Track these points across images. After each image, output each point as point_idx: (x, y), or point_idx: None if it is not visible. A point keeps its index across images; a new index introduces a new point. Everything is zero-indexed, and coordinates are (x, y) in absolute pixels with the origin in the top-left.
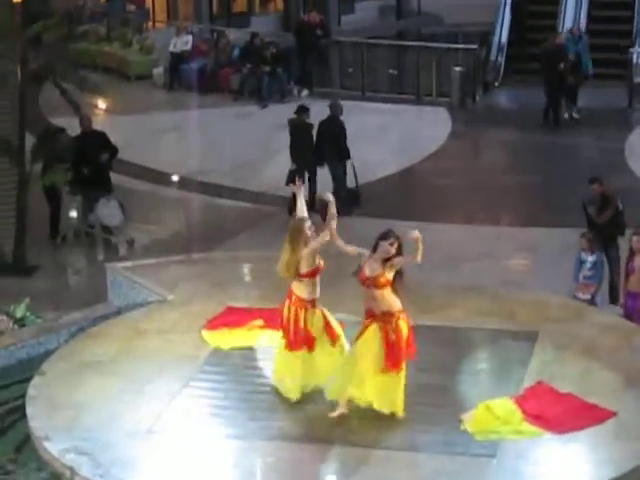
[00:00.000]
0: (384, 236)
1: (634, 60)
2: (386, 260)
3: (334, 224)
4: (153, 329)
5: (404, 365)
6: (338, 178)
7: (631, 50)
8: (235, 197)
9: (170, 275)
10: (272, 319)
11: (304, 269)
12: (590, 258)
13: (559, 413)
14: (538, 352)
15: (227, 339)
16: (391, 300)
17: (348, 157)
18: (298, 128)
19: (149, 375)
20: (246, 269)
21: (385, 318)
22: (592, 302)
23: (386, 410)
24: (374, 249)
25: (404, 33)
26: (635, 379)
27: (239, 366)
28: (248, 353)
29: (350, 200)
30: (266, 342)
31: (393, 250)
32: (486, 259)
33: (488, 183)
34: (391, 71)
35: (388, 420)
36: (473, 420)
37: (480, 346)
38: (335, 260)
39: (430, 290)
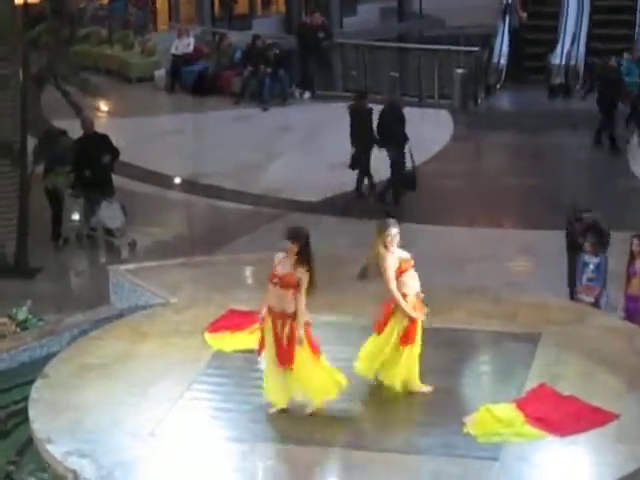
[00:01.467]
0: (288, 236)
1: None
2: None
3: None
4: (155, 332)
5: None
6: (397, 162)
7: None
8: (237, 200)
9: (172, 278)
10: None
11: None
12: (593, 260)
13: (561, 416)
14: (540, 354)
15: (229, 342)
16: (290, 302)
17: (406, 141)
18: (358, 113)
19: (151, 378)
20: (248, 272)
21: (281, 317)
22: (596, 305)
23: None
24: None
25: (406, 35)
26: (637, 381)
27: (241, 369)
28: (250, 356)
29: (407, 181)
30: None
31: (295, 249)
32: (488, 261)
33: (490, 185)
34: (393, 73)
35: (390, 422)
36: (475, 422)
37: (482, 348)
38: (334, 263)
39: (432, 292)
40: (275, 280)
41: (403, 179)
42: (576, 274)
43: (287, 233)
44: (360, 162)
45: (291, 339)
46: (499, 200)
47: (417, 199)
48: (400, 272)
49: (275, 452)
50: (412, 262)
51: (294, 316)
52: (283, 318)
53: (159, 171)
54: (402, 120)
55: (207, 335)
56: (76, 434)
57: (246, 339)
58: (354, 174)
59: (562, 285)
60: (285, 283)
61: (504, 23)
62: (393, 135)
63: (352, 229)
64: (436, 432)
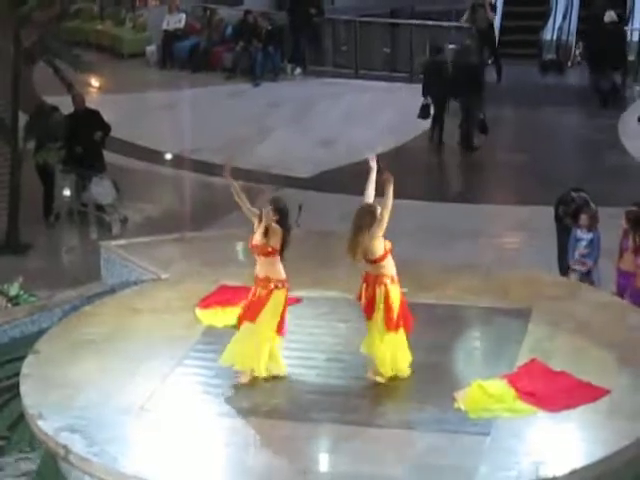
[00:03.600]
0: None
1: (628, 38)
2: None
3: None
4: (147, 308)
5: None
6: (470, 109)
7: (625, 28)
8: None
9: (164, 253)
10: None
11: (380, 252)
12: (586, 236)
13: (552, 391)
14: (531, 330)
15: (220, 317)
16: (274, 269)
17: (481, 89)
18: (433, 64)
19: (142, 354)
20: (239, 247)
21: (263, 284)
22: (589, 279)
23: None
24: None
25: (397, 11)
26: (629, 357)
27: None
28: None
29: (480, 128)
30: None
31: (273, 218)
32: (479, 237)
33: (481, 161)
34: (384, 49)
35: (382, 398)
36: (466, 398)
37: (473, 324)
38: (325, 238)
39: (423, 268)
40: (254, 250)
41: (478, 125)
42: (568, 249)
43: (272, 202)
44: (434, 112)
45: (263, 299)
46: (491, 176)
47: (407, 175)
48: (385, 254)
49: (266, 427)
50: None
51: (275, 283)
52: (265, 283)
53: (150, 147)
54: (477, 69)
55: (198, 311)
56: (67, 410)
57: (237, 315)
58: (345, 151)
59: (554, 261)
60: (262, 252)
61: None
62: (467, 82)
63: (343, 205)
64: (427, 408)
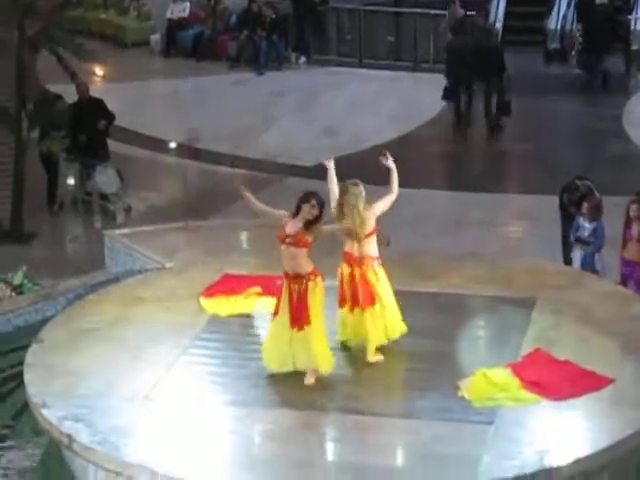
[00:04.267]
0: (305, 199)
1: (632, 27)
2: (309, 223)
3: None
4: (151, 296)
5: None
6: (492, 90)
7: (629, 17)
8: (233, 164)
9: (168, 242)
10: (270, 286)
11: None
12: (588, 225)
13: (557, 380)
14: (536, 319)
15: (225, 306)
16: (303, 262)
17: (504, 70)
18: (456, 46)
19: (147, 342)
20: (244, 236)
21: (296, 280)
22: (593, 268)
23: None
24: (296, 212)
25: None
26: (632, 346)
27: (237, 333)
28: (246, 320)
29: (503, 109)
30: (264, 309)
31: (315, 212)
32: (484, 226)
33: (485, 150)
34: (388, 38)
35: (386, 387)
36: (470, 387)
37: (477, 313)
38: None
39: (427, 257)
40: (288, 240)
41: (500, 106)
42: (570, 232)
43: (306, 197)
44: (455, 94)
45: (304, 297)
46: (494, 165)
47: (412, 164)
48: (372, 231)
49: (271, 416)
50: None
51: (308, 276)
52: (298, 279)
53: (155, 136)
54: (498, 50)
55: (203, 300)
56: (71, 398)
57: (242, 303)
58: (349, 140)
59: (558, 250)
60: (297, 241)
61: None
62: (490, 65)
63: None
64: (432, 396)
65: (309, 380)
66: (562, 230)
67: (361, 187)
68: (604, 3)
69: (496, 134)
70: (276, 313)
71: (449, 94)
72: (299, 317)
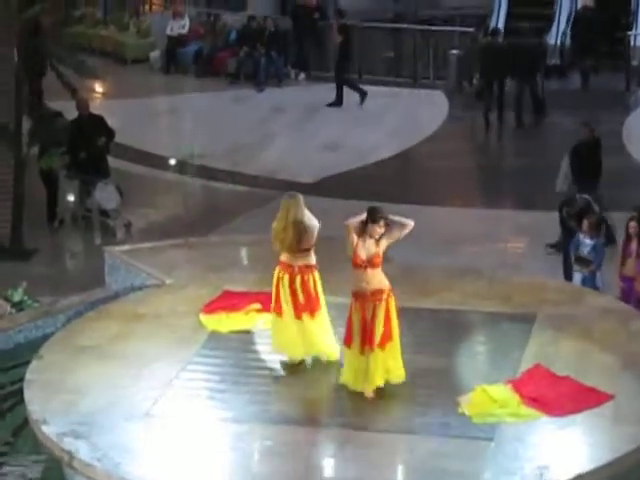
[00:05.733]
0: (374, 219)
1: (632, 43)
2: (377, 239)
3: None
4: (151, 313)
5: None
6: (528, 89)
7: (629, 33)
8: (232, 180)
9: (167, 259)
10: (269, 302)
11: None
12: (588, 241)
13: (557, 396)
14: (536, 335)
15: (225, 323)
16: (382, 277)
17: (538, 71)
18: (490, 45)
19: (147, 359)
20: (243, 253)
21: (375, 296)
22: (593, 284)
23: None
24: (362, 231)
25: (401, 16)
26: (632, 362)
27: (237, 350)
28: (246, 337)
29: (538, 108)
30: (263, 325)
31: (382, 230)
32: (484, 242)
33: (485, 166)
34: (388, 54)
35: (386, 403)
36: (470, 403)
37: (478, 329)
38: (329, 244)
39: (427, 273)
40: (365, 265)
41: (535, 106)
42: (569, 250)
43: (373, 217)
44: (488, 93)
45: (388, 315)
46: (494, 181)
47: (412, 180)
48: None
49: (271, 433)
50: None
51: (388, 291)
52: (377, 295)
53: (155, 152)
54: (536, 53)
55: (202, 316)
56: (71, 415)
57: (242, 320)
58: (349, 156)
59: (558, 266)
60: (374, 264)
61: (500, 2)
62: (527, 66)
63: (347, 210)
64: (432, 412)
65: (369, 394)
66: (563, 246)
67: (297, 198)
68: (589, 7)
69: (533, 130)
70: (349, 342)
71: (481, 93)
72: (386, 336)
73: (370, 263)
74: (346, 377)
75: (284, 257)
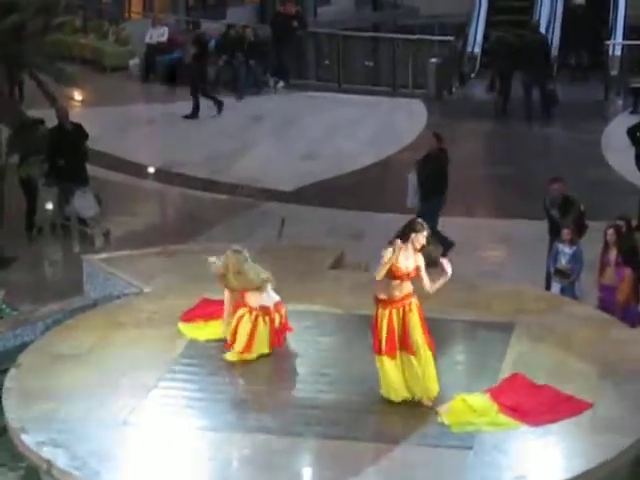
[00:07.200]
0: (415, 228)
1: (610, 53)
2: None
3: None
4: (129, 321)
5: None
6: (540, 83)
7: (607, 43)
8: (211, 189)
9: (146, 267)
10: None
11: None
12: (568, 250)
13: (535, 405)
14: (514, 344)
15: (203, 331)
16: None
17: (547, 66)
18: (500, 40)
19: (125, 367)
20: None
21: (404, 300)
22: (571, 293)
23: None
24: (404, 240)
25: (380, 25)
26: (611, 371)
27: (215, 358)
28: (224, 345)
29: (550, 100)
30: None
31: (425, 239)
32: (462, 250)
33: (464, 174)
34: (367, 63)
35: (363, 412)
36: (449, 412)
37: (456, 337)
38: (309, 252)
39: None
40: (404, 277)
41: (549, 95)
42: (549, 260)
43: (415, 227)
44: (501, 85)
45: (422, 319)
46: (473, 189)
47: (391, 188)
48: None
49: (249, 442)
50: None
51: (412, 294)
52: (405, 299)
53: (133, 160)
54: (543, 46)
55: (181, 324)
56: (50, 423)
57: (220, 328)
58: (328, 164)
59: (536, 274)
60: (416, 275)
61: (479, 11)
62: (533, 59)
63: (326, 218)
64: (410, 421)
65: (427, 402)
66: (550, 239)
67: (242, 254)
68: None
69: (546, 122)
70: (380, 350)
71: (492, 86)
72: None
73: (408, 276)
74: (396, 387)
75: None
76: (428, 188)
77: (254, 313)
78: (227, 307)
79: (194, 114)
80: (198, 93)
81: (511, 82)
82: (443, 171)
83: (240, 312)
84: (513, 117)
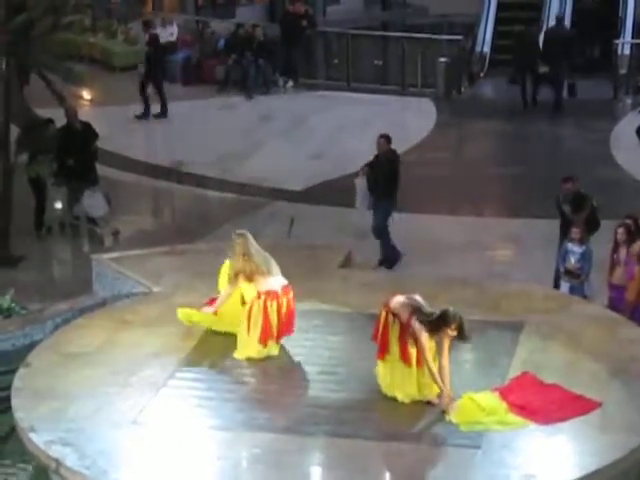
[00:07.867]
0: (447, 322)
1: (619, 52)
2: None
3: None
4: (138, 320)
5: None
6: (558, 81)
7: (616, 42)
8: (220, 188)
9: (155, 266)
10: None
11: None
12: (577, 249)
13: (544, 404)
14: (523, 343)
15: (196, 316)
16: None
17: (567, 60)
18: (525, 36)
19: (134, 366)
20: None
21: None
22: (581, 292)
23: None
24: (434, 331)
25: (389, 24)
26: (620, 370)
27: (225, 357)
28: (232, 344)
29: (572, 91)
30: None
31: (454, 333)
32: (471, 250)
33: (473, 174)
34: (376, 62)
35: (373, 410)
36: (458, 411)
37: None
38: (317, 252)
39: (415, 281)
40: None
41: (570, 89)
42: (558, 260)
43: (448, 320)
44: (521, 79)
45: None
46: (482, 188)
47: (400, 188)
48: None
49: (258, 441)
50: None
51: None
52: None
53: (143, 160)
54: (564, 42)
55: (179, 310)
56: (59, 423)
57: (211, 317)
58: (336, 164)
59: (546, 274)
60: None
61: (488, 10)
62: (554, 54)
63: (335, 217)
64: (419, 420)
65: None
66: (560, 238)
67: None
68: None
69: (556, 118)
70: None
71: (514, 79)
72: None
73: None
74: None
75: None
76: (379, 191)
77: (263, 297)
78: (223, 297)
79: (145, 114)
80: (147, 94)
81: (537, 76)
82: (395, 173)
83: (249, 303)
84: (528, 114)
